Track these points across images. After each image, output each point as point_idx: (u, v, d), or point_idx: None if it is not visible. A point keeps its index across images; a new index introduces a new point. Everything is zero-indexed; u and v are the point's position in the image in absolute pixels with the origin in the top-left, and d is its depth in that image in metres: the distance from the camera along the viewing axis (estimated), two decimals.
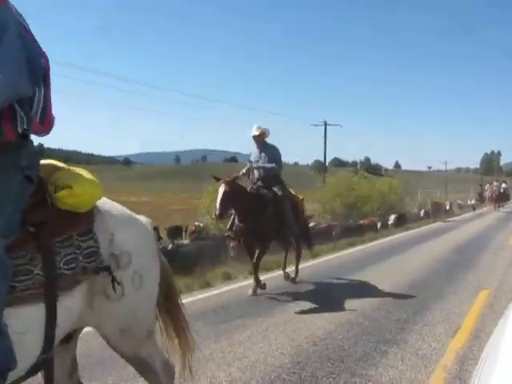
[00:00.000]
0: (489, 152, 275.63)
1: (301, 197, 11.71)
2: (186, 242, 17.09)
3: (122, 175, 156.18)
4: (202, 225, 23.39)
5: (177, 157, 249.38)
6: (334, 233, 18.50)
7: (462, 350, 6.27)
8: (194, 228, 22.89)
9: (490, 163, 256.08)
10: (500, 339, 1.81)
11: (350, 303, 8.76)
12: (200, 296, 9.52)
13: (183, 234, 23.38)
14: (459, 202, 53.50)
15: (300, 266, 11.44)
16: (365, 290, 10.01)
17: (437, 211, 32.60)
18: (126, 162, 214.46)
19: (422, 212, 35.43)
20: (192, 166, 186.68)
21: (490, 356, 1.77)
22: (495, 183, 44.96)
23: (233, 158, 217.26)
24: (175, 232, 23.58)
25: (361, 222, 25.31)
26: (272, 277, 11.54)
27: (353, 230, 21.72)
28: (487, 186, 48.57)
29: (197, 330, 7.13)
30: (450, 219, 32.36)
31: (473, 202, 55.26)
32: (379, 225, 25.20)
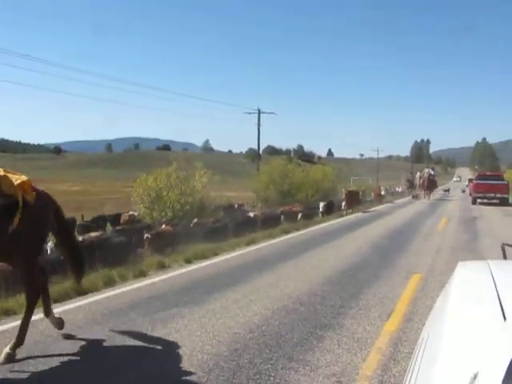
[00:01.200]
0: (419, 140, 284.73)
1: (24, 177, 5.51)
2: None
3: (52, 164, 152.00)
4: (136, 213, 23.04)
5: (108, 145, 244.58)
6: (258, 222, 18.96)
7: (395, 333, 6.41)
8: (128, 217, 22.53)
9: (420, 151, 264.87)
10: (440, 322, 1.81)
11: (286, 289, 8.81)
12: (135, 285, 9.37)
13: (107, 223, 22.76)
14: (394, 188, 55.06)
15: (236, 253, 11.45)
16: (300, 276, 10.08)
17: (354, 201, 28.69)
18: (57, 150, 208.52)
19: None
20: (124, 154, 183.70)
21: (430, 338, 1.77)
22: (426, 170, 44.59)
23: (165, 146, 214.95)
24: (102, 221, 23.02)
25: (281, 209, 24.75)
26: (206, 265, 11.52)
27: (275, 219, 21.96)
28: (418, 173, 49.41)
29: (132, 319, 7.05)
30: (371, 209, 30.89)
31: (400, 189, 56.88)
32: (299, 215, 23.57)
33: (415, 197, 42.22)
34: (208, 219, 19.27)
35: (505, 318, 1.52)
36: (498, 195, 35.12)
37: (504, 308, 1.64)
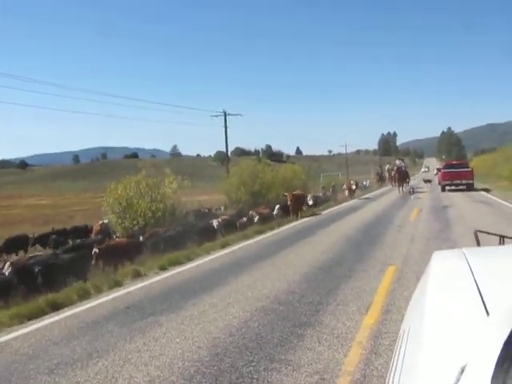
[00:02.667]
0: (385, 133, 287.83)
1: None
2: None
3: (18, 179, 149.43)
4: (106, 221, 22.86)
5: (75, 156, 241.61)
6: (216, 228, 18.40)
7: (375, 326, 6.42)
8: (99, 228, 22.30)
9: (388, 144, 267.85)
10: (420, 315, 1.79)
11: (263, 289, 8.78)
12: (110, 296, 9.26)
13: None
14: (362, 182, 55.42)
15: (211, 257, 11.37)
16: (277, 275, 10.06)
17: (298, 205, 24.13)
18: (22, 164, 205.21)
19: (321, 194, 36.71)
20: (92, 165, 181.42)
21: (412, 331, 1.75)
22: (397, 162, 42.44)
23: (133, 154, 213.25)
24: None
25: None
26: (182, 270, 11.45)
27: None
28: (387, 165, 49.01)
29: (110, 331, 6.94)
30: (331, 208, 30.67)
31: (368, 183, 57.30)
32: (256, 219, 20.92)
33: (411, 192, 36.36)
34: (163, 228, 18.67)
35: (486, 310, 1.51)
36: (464, 181, 37.36)
37: (484, 298, 1.63)
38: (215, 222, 18.87)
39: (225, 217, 22.16)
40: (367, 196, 38.66)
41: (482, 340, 1.11)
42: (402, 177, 39.65)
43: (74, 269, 11.96)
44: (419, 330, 1.61)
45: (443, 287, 2.03)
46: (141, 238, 16.43)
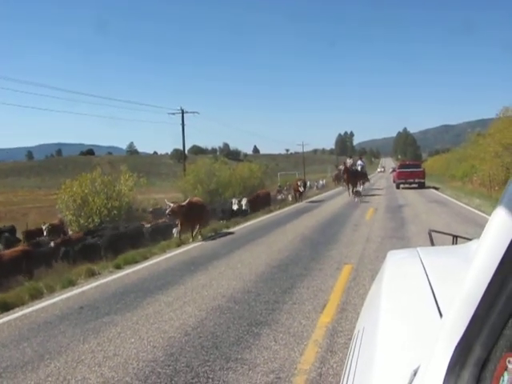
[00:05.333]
0: (342, 133, 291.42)
1: None
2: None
3: None
4: (61, 215, 22.53)
5: (29, 152, 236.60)
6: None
7: (331, 324, 6.45)
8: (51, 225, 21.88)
9: (344, 143, 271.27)
10: (375, 315, 1.80)
11: (219, 288, 8.75)
12: (64, 296, 9.09)
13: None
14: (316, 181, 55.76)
15: (167, 255, 11.25)
16: (233, 274, 10.03)
17: (196, 220, 16.77)
18: None
19: (281, 195, 36.09)
20: (46, 161, 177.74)
21: (366, 332, 1.76)
22: (348, 160, 36.42)
23: (89, 151, 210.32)
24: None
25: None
26: (137, 269, 11.34)
27: None
28: (342, 165, 42.50)
29: (62, 331, 6.81)
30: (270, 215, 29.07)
31: (322, 182, 57.65)
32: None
33: (358, 194, 30.53)
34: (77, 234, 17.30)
35: (440, 312, 1.52)
36: (417, 180, 40.90)
37: (437, 299, 1.64)
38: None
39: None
40: (322, 196, 38.90)
41: (435, 342, 1.11)
42: (353, 177, 34.36)
43: None
44: (374, 330, 1.62)
45: (397, 288, 2.04)
46: (52, 244, 15.20)
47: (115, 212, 22.31)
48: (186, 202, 16.47)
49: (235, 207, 22.91)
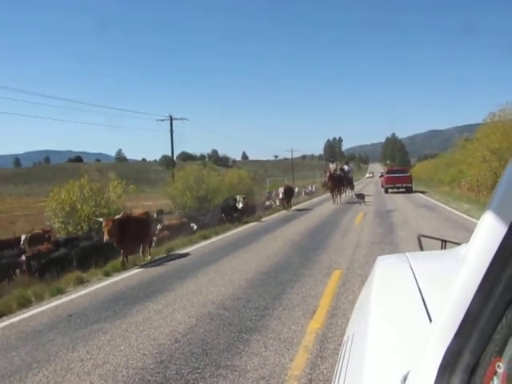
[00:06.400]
0: (331, 139, 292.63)
1: None
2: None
3: None
4: (49, 223, 22.38)
5: (16, 159, 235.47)
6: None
7: (321, 330, 6.45)
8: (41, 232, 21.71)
9: (333, 149, 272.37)
10: (364, 321, 1.80)
11: (209, 295, 8.73)
12: (52, 304, 9.04)
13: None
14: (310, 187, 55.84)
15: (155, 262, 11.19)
16: (222, 280, 10.01)
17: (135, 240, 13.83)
18: None
19: (270, 201, 36.32)
20: (34, 169, 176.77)
21: (356, 337, 1.76)
22: (331, 165, 35.31)
23: (77, 158, 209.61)
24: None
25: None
26: (126, 276, 11.29)
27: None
28: (327, 173, 39.48)
29: (51, 340, 6.76)
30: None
31: (313, 188, 57.81)
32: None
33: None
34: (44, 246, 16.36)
35: (429, 317, 1.52)
36: (404, 185, 42.27)
37: (427, 304, 1.64)
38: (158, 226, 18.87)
39: (174, 221, 22.12)
40: (311, 202, 38.94)
41: (425, 347, 1.11)
42: (338, 183, 33.58)
43: None
44: (363, 336, 1.62)
45: (387, 293, 2.05)
46: (23, 257, 14.18)
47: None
48: (120, 215, 13.57)
49: (240, 205, 22.94)
